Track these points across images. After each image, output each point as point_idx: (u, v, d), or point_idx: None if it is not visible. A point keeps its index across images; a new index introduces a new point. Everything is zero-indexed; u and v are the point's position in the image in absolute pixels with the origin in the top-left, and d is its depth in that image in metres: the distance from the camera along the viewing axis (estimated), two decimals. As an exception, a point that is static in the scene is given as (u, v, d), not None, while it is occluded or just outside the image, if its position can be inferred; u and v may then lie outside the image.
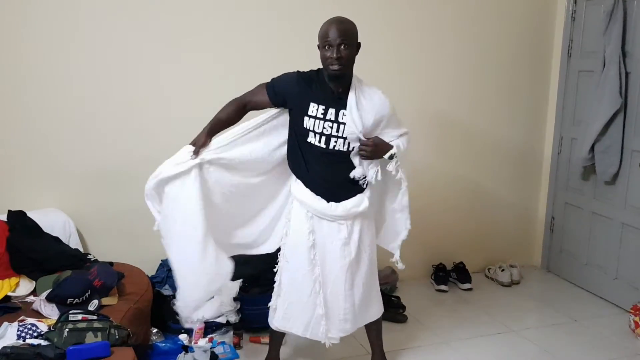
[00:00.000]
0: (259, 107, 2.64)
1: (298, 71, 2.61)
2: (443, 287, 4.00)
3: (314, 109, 2.52)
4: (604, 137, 3.65)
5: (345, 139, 2.53)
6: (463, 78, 4.03)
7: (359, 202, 2.60)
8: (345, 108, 2.51)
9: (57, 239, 3.09)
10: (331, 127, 2.52)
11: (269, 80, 2.62)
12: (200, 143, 2.51)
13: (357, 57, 2.54)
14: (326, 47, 2.45)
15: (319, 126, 2.53)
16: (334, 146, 2.54)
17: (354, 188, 2.63)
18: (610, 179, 3.73)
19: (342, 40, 2.42)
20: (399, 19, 3.81)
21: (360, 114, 2.51)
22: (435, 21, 3.89)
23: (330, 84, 2.53)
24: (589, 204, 3.97)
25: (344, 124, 2.51)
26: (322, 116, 2.52)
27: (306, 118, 2.53)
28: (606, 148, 3.66)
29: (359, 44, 2.52)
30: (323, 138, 2.54)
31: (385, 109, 2.57)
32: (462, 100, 4.06)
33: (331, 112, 2.52)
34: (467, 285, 4.03)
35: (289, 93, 2.56)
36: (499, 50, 4.08)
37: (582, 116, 3.95)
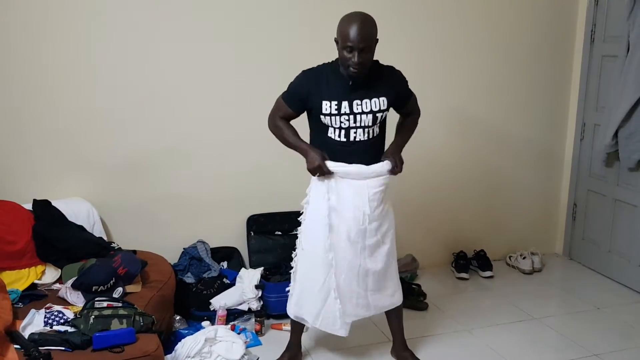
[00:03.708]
0: (291, 119, 2.66)
1: (303, 71, 2.58)
2: (464, 274, 3.98)
3: (327, 106, 2.50)
4: (628, 123, 3.59)
5: (364, 128, 2.52)
6: (483, 64, 3.98)
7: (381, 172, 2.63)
8: (358, 99, 2.49)
9: (81, 228, 3.13)
10: (348, 120, 2.51)
11: (284, 91, 2.61)
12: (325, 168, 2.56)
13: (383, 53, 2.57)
14: (347, 49, 2.37)
15: (336, 121, 2.51)
16: (355, 137, 2.54)
17: None
18: (634, 166, 3.67)
19: (364, 45, 2.34)
20: (418, 9, 3.78)
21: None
22: (458, 6, 3.84)
23: (347, 77, 2.49)
24: (612, 191, 3.92)
25: (360, 113, 2.50)
26: (336, 112, 2.50)
27: (322, 116, 2.53)
28: (630, 134, 3.60)
29: (377, 40, 2.45)
30: (342, 132, 2.54)
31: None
32: (482, 86, 4.01)
33: (345, 105, 2.49)
34: (488, 273, 4.01)
35: (303, 97, 2.55)
36: (520, 35, 4.02)
37: (605, 102, 3.88)
